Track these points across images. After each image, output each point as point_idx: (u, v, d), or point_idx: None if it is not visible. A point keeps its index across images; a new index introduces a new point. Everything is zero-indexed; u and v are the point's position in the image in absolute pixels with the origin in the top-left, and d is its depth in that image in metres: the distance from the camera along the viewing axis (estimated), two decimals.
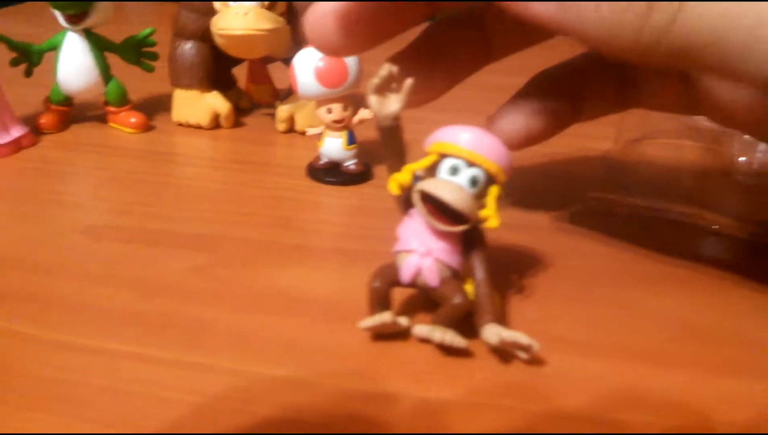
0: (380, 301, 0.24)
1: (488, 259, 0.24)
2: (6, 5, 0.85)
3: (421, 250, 0.23)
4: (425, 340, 0.24)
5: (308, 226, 0.33)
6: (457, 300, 0.23)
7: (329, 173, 0.38)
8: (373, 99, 0.23)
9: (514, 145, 0.27)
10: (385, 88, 0.23)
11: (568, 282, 0.28)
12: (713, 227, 0.31)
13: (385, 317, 0.23)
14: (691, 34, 0.19)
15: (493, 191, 0.23)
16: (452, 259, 0.24)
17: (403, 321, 0.24)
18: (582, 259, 0.30)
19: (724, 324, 0.25)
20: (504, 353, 0.23)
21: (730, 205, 0.33)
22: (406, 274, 0.24)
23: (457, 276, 0.24)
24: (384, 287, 0.24)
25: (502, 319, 0.25)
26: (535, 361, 0.23)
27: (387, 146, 0.24)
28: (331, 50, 0.26)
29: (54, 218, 0.33)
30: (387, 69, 0.23)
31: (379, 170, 0.38)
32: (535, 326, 0.25)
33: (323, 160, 0.38)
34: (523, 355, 0.23)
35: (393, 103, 0.23)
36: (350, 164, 0.37)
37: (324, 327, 0.25)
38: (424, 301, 0.26)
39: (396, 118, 0.24)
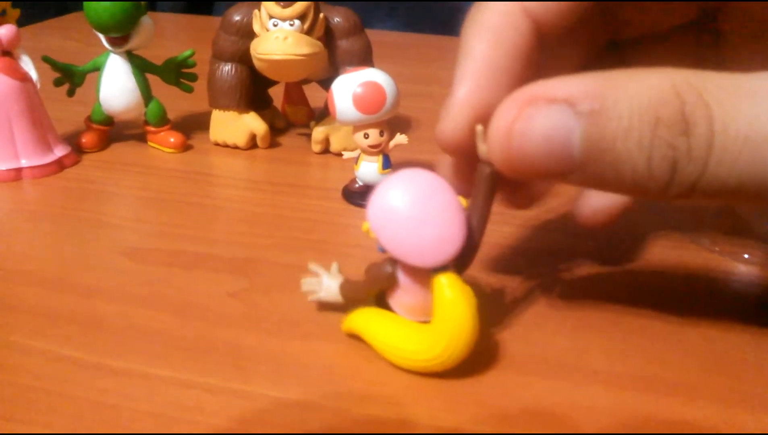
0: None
1: None
2: (44, 19, 0.87)
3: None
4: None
5: (343, 250, 0.33)
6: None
7: (364, 197, 0.38)
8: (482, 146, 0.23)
9: (603, 222, 0.28)
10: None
11: (598, 312, 0.28)
12: (744, 256, 0.31)
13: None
14: (720, 187, 0.20)
15: None
16: None
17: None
18: (613, 289, 0.30)
19: (749, 357, 0.26)
20: (524, 378, 0.24)
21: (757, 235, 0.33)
22: None
23: None
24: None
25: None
26: (563, 390, 0.24)
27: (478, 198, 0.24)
28: None
29: (97, 239, 0.34)
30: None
31: None
32: (565, 356, 0.25)
33: (359, 184, 0.38)
34: None
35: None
36: None
37: (359, 354, 0.25)
38: None
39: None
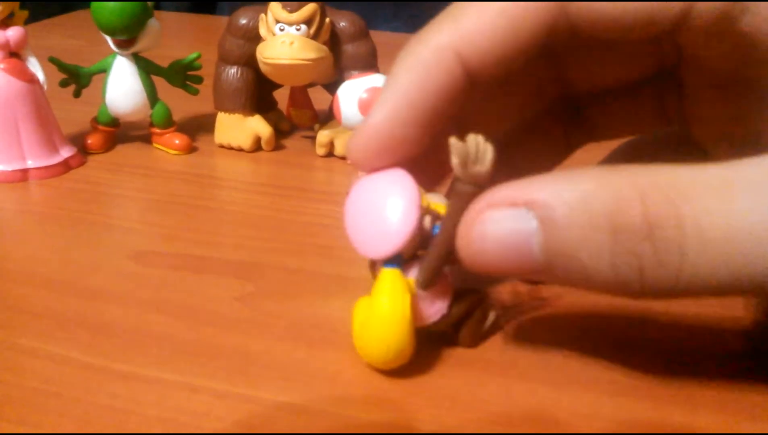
0: None
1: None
2: (49, 16, 0.87)
3: None
4: None
5: (348, 254, 0.33)
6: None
7: None
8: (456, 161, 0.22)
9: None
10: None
11: (601, 320, 0.28)
12: None
13: None
14: (706, 287, 0.19)
15: None
16: None
17: None
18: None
19: (749, 366, 0.26)
20: (527, 385, 0.24)
21: None
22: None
23: None
24: None
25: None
26: (566, 398, 0.24)
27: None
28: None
29: (103, 242, 0.34)
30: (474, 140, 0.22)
31: None
32: (568, 363, 0.26)
33: None
34: None
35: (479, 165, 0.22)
36: None
37: (365, 361, 0.26)
38: None
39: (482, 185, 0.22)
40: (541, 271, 0.20)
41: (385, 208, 0.23)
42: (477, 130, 0.22)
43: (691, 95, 0.27)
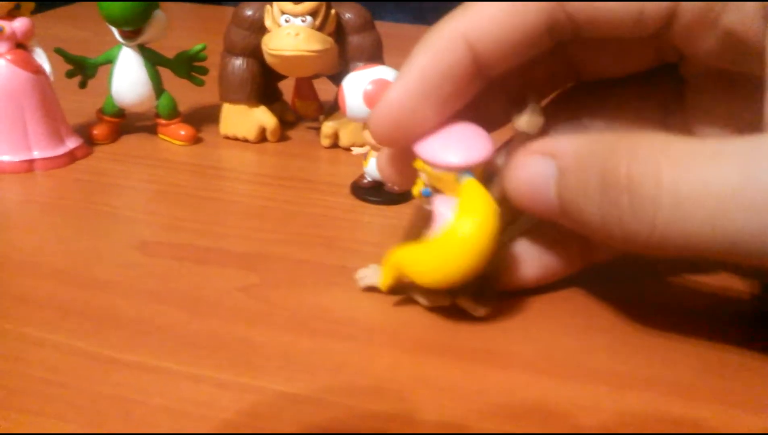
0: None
1: None
2: (54, 6, 0.87)
3: None
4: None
5: (352, 246, 0.34)
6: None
7: (372, 192, 0.39)
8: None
9: (527, 283, 0.29)
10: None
11: (602, 313, 0.28)
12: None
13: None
14: (677, 244, 0.21)
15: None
16: None
17: None
18: (617, 290, 0.30)
19: (748, 359, 0.26)
20: (529, 376, 0.24)
21: None
22: None
23: None
24: None
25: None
26: (567, 389, 0.24)
27: None
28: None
29: (109, 232, 0.34)
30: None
31: None
32: (570, 355, 0.26)
33: (367, 180, 0.39)
34: None
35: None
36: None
37: (368, 351, 0.26)
38: None
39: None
40: (556, 212, 0.24)
41: (476, 131, 0.27)
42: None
43: (692, 90, 0.28)
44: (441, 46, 0.26)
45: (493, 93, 0.28)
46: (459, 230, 0.24)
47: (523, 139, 0.26)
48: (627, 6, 0.24)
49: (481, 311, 0.27)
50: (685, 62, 0.27)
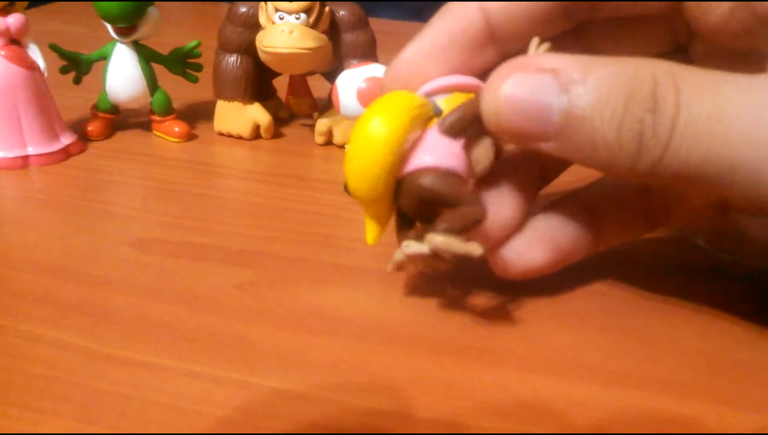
0: (407, 220, 0.26)
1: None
2: (48, 1, 0.87)
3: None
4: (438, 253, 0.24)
5: (346, 243, 0.34)
6: (475, 207, 0.24)
7: None
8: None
9: (516, 274, 0.28)
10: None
11: (595, 310, 0.29)
12: (738, 256, 0.32)
13: (424, 247, 0.24)
14: (682, 164, 0.22)
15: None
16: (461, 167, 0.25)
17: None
18: (610, 287, 0.30)
19: (741, 356, 0.26)
20: (522, 374, 0.25)
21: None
22: None
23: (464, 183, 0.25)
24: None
25: None
26: (560, 387, 0.24)
27: None
28: None
29: (104, 229, 0.34)
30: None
31: None
32: (563, 353, 0.26)
33: None
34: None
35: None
36: None
37: (363, 348, 0.26)
38: None
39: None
40: (554, 135, 0.23)
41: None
42: None
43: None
44: (457, 10, 0.27)
45: None
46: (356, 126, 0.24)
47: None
48: None
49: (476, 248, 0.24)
50: (694, 42, 0.28)
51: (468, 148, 0.25)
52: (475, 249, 0.23)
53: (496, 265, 0.28)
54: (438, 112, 0.25)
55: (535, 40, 0.25)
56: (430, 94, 0.26)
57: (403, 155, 0.24)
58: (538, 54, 0.24)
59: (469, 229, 0.24)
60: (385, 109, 0.24)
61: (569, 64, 0.22)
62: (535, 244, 0.28)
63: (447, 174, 0.24)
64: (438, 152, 0.25)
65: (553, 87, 0.22)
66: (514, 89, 0.23)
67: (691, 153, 0.21)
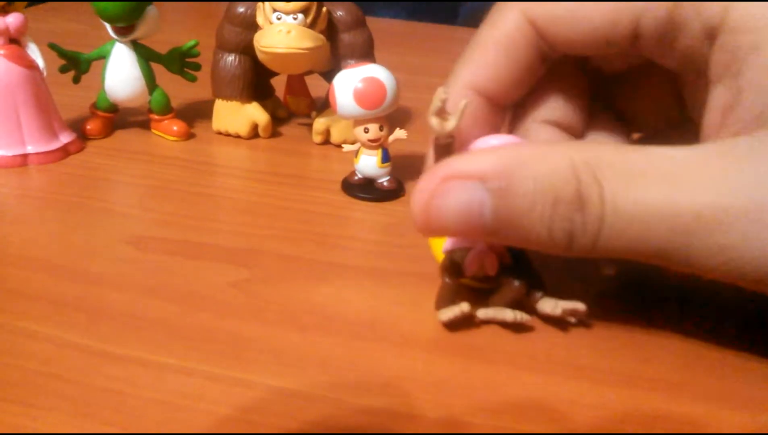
0: (451, 295, 0.27)
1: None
2: (48, 0, 0.87)
3: (480, 247, 0.27)
4: (490, 321, 0.27)
5: (342, 242, 0.34)
6: (516, 283, 0.27)
7: (363, 189, 0.39)
8: (433, 120, 0.27)
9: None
10: (442, 110, 0.26)
11: (590, 310, 0.29)
12: None
13: (464, 307, 0.27)
14: (615, 251, 0.23)
15: None
16: (502, 251, 0.27)
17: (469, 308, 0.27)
18: (600, 287, 0.31)
19: (729, 356, 0.26)
20: (513, 372, 0.25)
21: None
22: (470, 268, 0.27)
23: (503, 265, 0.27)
24: (453, 281, 0.27)
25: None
26: (550, 385, 0.25)
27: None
28: None
29: (102, 227, 0.35)
30: (441, 94, 0.26)
31: (411, 187, 0.39)
32: (554, 351, 0.26)
33: (358, 176, 0.39)
34: (572, 319, 0.28)
35: (450, 122, 0.27)
36: (384, 181, 0.39)
37: (356, 346, 0.26)
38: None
39: (451, 136, 0.27)
40: (489, 233, 0.24)
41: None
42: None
43: (687, 88, 0.30)
44: (509, 25, 0.29)
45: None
46: None
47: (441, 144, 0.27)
48: (594, 28, 0.27)
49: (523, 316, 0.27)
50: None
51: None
52: (526, 318, 0.27)
53: None
54: None
55: (461, 103, 0.27)
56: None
57: None
58: (456, 158, 0.25)
59: (516, 302, 0.27)
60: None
61: (492, 168, 0.23)
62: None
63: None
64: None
65: (481, 193, 0.23)
66: (443, 202, 0.24)
67: (622, 239, 0.23)
